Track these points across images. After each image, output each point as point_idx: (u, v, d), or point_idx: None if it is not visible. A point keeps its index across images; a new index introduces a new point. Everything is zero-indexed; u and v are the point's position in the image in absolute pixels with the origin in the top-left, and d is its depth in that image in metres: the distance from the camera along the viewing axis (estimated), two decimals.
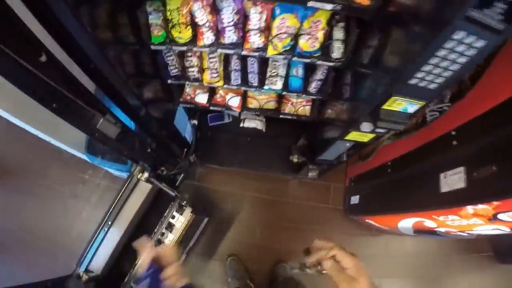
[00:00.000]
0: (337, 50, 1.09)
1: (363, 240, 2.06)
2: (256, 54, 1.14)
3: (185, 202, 1.40)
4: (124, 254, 1.46)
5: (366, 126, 1.02)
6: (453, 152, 1.11)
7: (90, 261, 1.40)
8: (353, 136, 1.17)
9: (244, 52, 1.14)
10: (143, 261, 0.72)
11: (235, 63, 1.31)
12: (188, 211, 1.38)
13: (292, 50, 1.12)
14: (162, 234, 1.40)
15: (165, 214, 1.41)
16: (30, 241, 2.15)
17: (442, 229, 1.37)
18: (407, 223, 1.53)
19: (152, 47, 1.14)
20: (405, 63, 0.76)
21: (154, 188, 1.45)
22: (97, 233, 1.39)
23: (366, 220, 1.93)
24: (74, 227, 2.16)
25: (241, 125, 2.18)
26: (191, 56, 1.30)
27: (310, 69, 1.36)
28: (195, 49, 1.15)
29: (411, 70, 0.74)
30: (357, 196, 1.94)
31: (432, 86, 0.78)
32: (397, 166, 1.52)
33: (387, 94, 0.86)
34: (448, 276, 1.98)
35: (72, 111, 0.86)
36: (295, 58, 1.15)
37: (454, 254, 2.00)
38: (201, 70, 1.34)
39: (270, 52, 1.12)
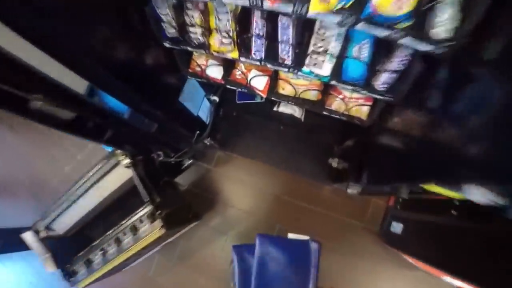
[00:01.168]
0: (446, 23, 0.52)
1: (393, 274, 1.58)
2: (289, 9, 0.64)
3: (159, 212, 1.09)
4: (93, 225, 1.45)
5: (476, 193, 0.49)
6: None
7: (54, 220, 1.38)
8: (435, 188, 0.65)
9: (267, 4, 0.64)
10: None
11: (257, 24, 0.81)
12: (158, 224, 1.08)
13: (358, 8, 0.59)
14: (124, 233, 1.17)
15: (136, 212, 1.16)
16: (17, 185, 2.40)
17: None
18: (453, 281, 1.13)
19: None
20: None
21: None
22: (63, 198, 1.35)
23: (404, 256, 1.45)
24: (55, 177, 2.29)
25: (275, 108, 1.76)
26: (191, 9, 0.83)
27: (382, 51, 0.80)
28: None
29: None
30: (401, 225, 1.44)
31: None
32: (467, 212, 0.94)
33: None
34: None
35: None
36: (361, 25, 0.62)
37: None
38: (207, 32, 0.87)
39: (315, 7, 0.60)
